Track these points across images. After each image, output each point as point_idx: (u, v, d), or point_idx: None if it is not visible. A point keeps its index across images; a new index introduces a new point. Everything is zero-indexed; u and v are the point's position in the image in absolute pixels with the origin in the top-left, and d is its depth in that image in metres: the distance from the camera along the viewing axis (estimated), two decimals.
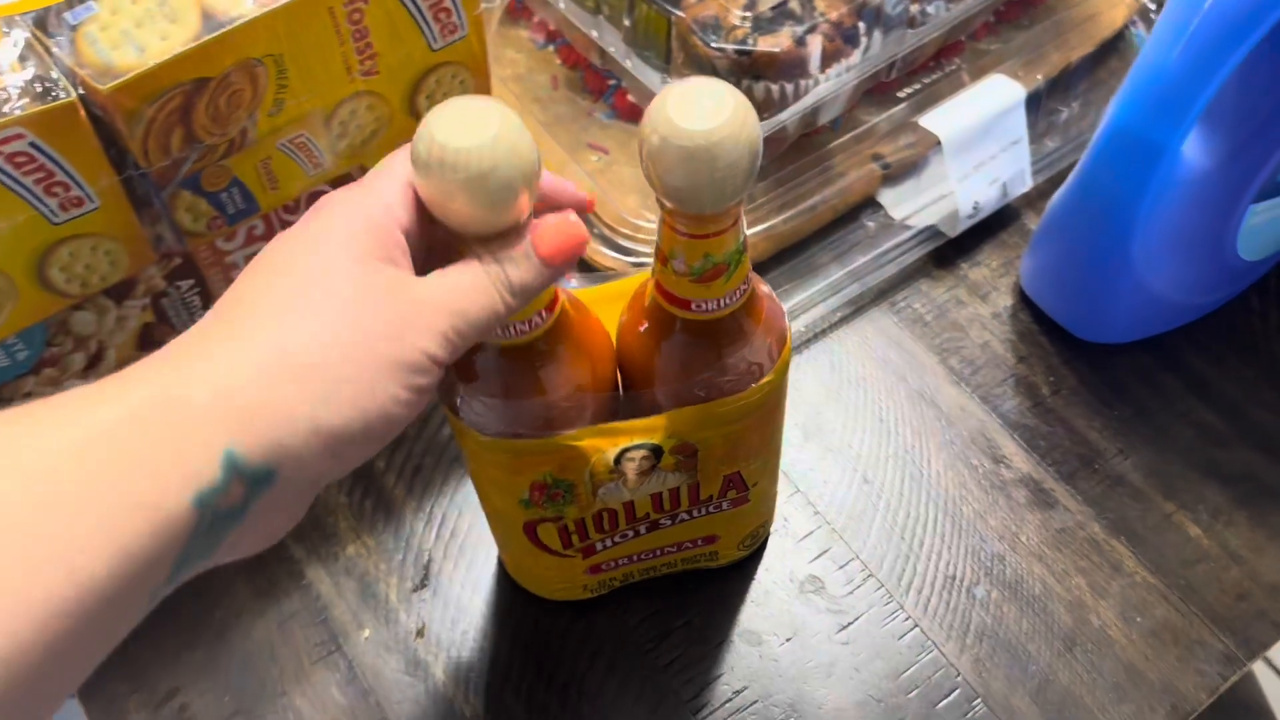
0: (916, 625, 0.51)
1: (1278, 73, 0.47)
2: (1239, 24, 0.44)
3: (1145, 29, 0.71)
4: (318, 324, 0.29)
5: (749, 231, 0.59)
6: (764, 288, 0.41)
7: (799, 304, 0.60)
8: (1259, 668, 1.13)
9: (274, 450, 0.28)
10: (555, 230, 0.33)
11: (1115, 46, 0.70)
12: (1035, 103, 0.63)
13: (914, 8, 0.59)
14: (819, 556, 0.53)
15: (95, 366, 0.47)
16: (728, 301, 0.38)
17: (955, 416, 0.57)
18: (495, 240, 0.33)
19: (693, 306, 0.38)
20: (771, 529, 0.54)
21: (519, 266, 0.33)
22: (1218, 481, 0.55)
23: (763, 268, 0.61)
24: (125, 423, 0.27)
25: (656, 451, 0.42)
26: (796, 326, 0.60)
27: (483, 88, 0.50)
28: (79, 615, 0.25)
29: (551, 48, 0.67)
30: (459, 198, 0.31)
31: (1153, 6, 0.70)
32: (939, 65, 0.66)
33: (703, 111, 0.32)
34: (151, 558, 0.26)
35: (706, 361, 0.40)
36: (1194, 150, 0.51)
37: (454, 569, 0.53)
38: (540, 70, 0.67)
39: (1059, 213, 0.56)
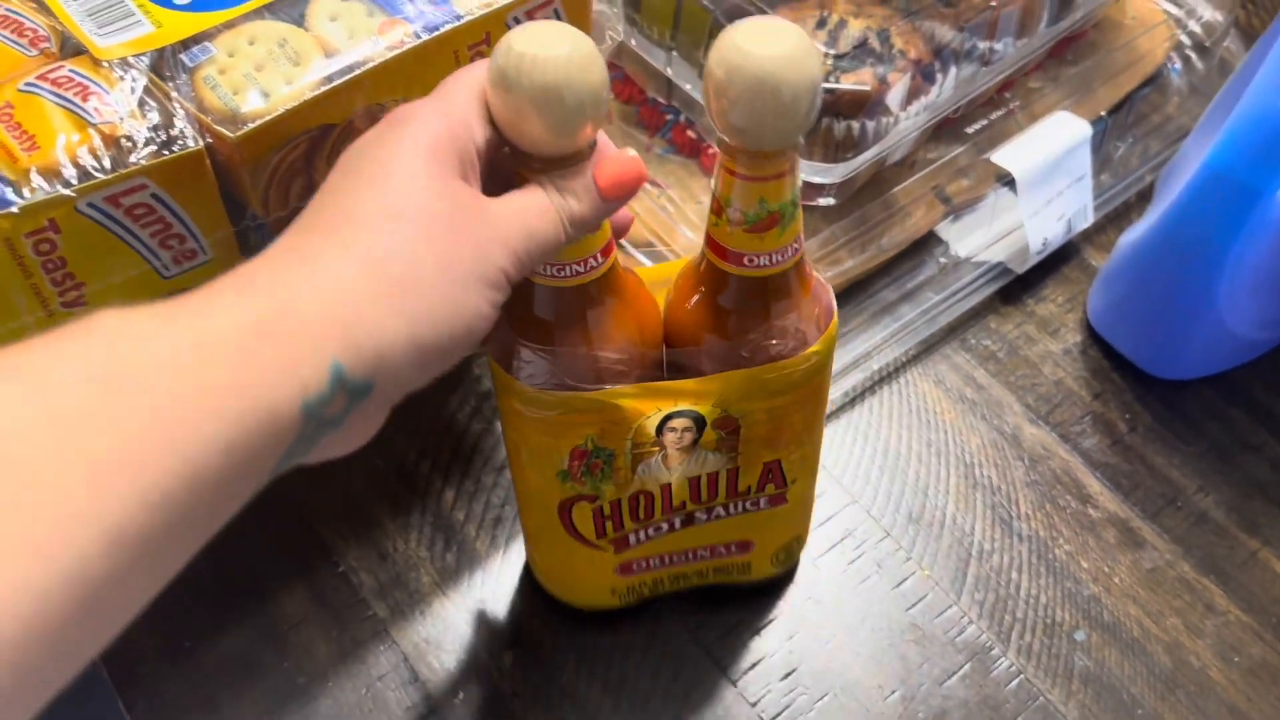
0: (1021, 673, 0.50)
1: None
2: None
3: (1182, 64, 0.72)
4: (409, 238, 0.31)
5: (826, 274, 0.59)
6: (810, 263, 0.41)
7: (874, 345, 0.59)
8: None
9: (374, 364, 0.30)
10: (614, 162, 0.35)
11: (1154, 81, 0.71)
12: (1098, 139, 0.63)
13: (982, 45, 0.59)
14: (916, 604, 0.52)
15: None
16: (780, 258, 0.38)
17: (1038, 455, 0.57)
18: (558, 168, 0.34)
19: (745, 261, 0.38)
20: (804, 547, 0.53)
21: (579, 197, 0.34)
22: None
23: None
24: (246, 331, 0.28)
25: (699, 423, 0.41)
26: (871, 366, 0.59)
27: None
28: (183, 504, 0.26)
29: None
30: (531, 115, 0.32)
31: (1188, 42, 0.71)
32: (993, 102, 0.66)
33: (768, 40, 0.32)
34: (257, 458, 0.28)
35: (756, 322, 0.40)
36: None
37: (543, 625, 0.51)
38: None
39: (1139, 250, 0.56)
